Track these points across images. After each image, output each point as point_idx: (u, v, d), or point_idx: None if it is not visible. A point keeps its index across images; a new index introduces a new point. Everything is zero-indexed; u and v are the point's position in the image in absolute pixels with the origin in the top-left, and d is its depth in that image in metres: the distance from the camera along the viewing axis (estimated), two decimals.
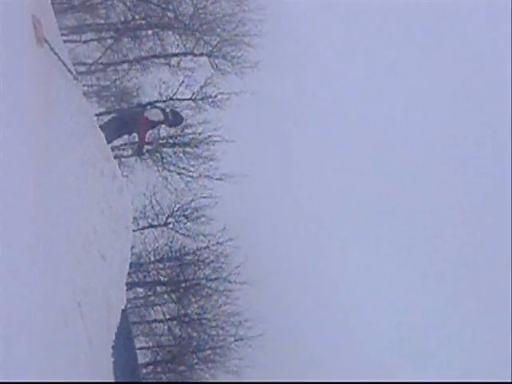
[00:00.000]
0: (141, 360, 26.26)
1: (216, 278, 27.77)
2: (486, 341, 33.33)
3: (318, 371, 33.38)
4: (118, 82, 30.22)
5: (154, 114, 17.37)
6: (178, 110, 21.47)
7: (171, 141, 30.05)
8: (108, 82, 30.40)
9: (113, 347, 12.79)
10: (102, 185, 12.48)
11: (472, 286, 34.93)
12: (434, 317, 34.65)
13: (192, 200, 29.27)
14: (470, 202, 36.95)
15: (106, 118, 18.71)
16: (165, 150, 30.32)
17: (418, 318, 35.04)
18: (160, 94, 30.08)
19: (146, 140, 19.91)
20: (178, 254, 28.10)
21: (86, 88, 29.29)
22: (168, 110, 18.51)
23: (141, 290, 28.38)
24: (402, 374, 31.92)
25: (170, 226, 28.98)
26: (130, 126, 17.19)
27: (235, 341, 26.99)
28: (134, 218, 26.72)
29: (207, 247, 28.11)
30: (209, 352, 26.95)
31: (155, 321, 28.16)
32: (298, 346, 33.55)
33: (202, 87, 29.72)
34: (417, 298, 35.04)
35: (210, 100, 29.94)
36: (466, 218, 37.01)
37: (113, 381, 11.92)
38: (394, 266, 36.17)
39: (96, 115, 26.32)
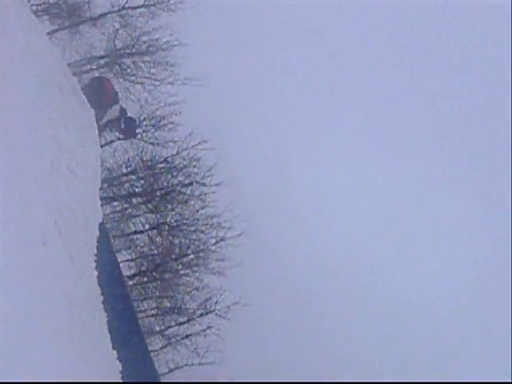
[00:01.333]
0: (126, 273, 26.44)
1: (190, 183, 27.67)
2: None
3: (298, 263, 33.89)
4: None
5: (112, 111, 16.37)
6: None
7: (128, 51, 29.55)
8: None
9: (95, 261, 12.86)
10: (63, 100, 12.34)
11: None
12: None
13: (157, 108, 28.96)
14: None
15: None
16: (123, 60, 29.83)
17: None
18: (112, 5, 29.44)
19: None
20: (149, 164, 27.92)
21: (34, 7, 28.59)
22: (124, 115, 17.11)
23: (117, 203, 28.34)
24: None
25: (138, 136, 28.73)
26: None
27: (216, 242, 27.13)
28: (101, 133, 26.61)
29: (178, 153, 27.97)
30: (191, 257, 27.07)
31: (135, 232, 28.18)
32: (278, 244, 33.90)
33: None
34: None
35: (164, 4, 29.35)
36: None
37: (98, 291, 12.00)
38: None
39: (48, 33, 25.84)
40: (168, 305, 27.02)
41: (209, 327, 26.40)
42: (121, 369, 11.81)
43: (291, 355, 32.30)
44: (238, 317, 26.78)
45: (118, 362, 11.62)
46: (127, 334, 13.39)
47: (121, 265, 22.97)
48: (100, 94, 16.02)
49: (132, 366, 12.21)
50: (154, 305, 27.50)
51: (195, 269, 27.16)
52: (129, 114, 17.52)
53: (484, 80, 37.39)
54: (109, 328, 11.92)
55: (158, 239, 27.97)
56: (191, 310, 26.75)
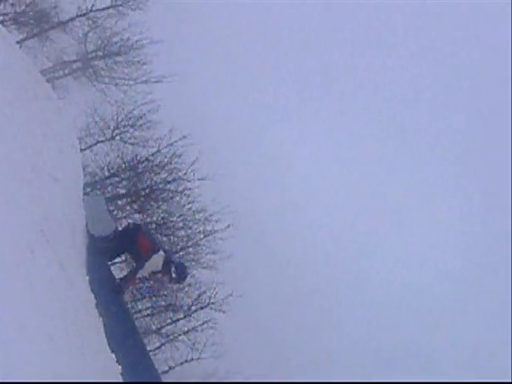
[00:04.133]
0: (118, 275, 26.34)
1: (174, 180, 27.66)
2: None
3: (289, 251, 33.92)
4: (32, 6, 29.31)
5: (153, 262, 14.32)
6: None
7: (100, 53, 29.49)
8: (23, 7, 29.47)
9: (86, 266, 12.81)
10: (39, 108, 12.26)
11: None
12: None
13: (133, 108, 28.90)
14: None
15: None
16: (95, 63, 29.76)
17: None
18: (79, 9, 29.37)
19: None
20: (131, 164, 27.89)
21: (1, 17, 28.46)
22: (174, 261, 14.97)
23: None
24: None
25: (118, 138, 28.65)
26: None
27: (204, 237, 27.14)
28: (80, 137, 26.51)
29: (159, 151, 27.92)
30: (182, 253, 27.05)
31: None
32: (267, 233, 33.92)
33: None
34: None
35: (131, 3, 29.29)
36: None
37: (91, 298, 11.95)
38: None
39: (18, 42, 25.69)
40: (163, 303, 26.98)
41: (205, 322, 26.41)
42: (121, 371, 11.77)
43: (287, 343, 32.39)
44: (233, 309, 26.82)
45: (117, 364, 11.58)
46: (124, 335, 13.34)
47: (111, 267, 22.93)
48: (133, 247, 14.62)
49: (132, 367, 12.18)
50: (149, 304, 27.44)
51: (186, 264, 27.14)
52: (173, 258, 15.24)
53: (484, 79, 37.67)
54: (105, 331, 11.88)
55: None
56: (186, 307, 26.73)
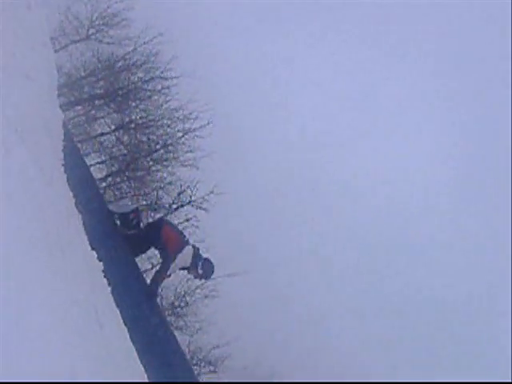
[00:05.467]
0: (97, 175, 26.40)
1: (151, 78, 27.44)
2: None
3: (270, 147, 33.90)
4: None
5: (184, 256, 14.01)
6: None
7: None
8: None
9: (63, 165, 12.76)
10: (8, 4, 11.95)
11: None
12: None
13: (108, 6, 28.38)
14: None
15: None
16: None
17: None
18: None
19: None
20: (107, 64, 27.61)
21: None
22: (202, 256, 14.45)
23: (79, 107, 28.07)
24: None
25: (93, 37, 28.25)
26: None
27: (183, 135, 27.07)
28: (54, 37, 26.07)
29: (135, 49, 27.60)
30: (161, 151, 27.05)
31: (102, 134, 28.06)
32: (247, 129, 33.80)
33: None
34: None
35: None
36: None
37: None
38: None
39: None
40: (143, 202, 27.11)
41: (187, 219, 26.56)
42: (102, 268, 11.86)
43: (268, 237, 32.73)
44: (214, 206, 26.94)
45: (98, 261, 11.66)
46: (104, 233, 13.44)
47: (91, 168, 22.92)
48: (159, 240, 14.32)
49: (113, 263, 12.28)
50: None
51: (166, 163, 27.17)
52: (202, 254, 14.60)
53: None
54: (85, 229, 11.93)
55: (126, 138, 27.88)
56: (167, 205, 26.86)
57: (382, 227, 34.80)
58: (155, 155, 27.06)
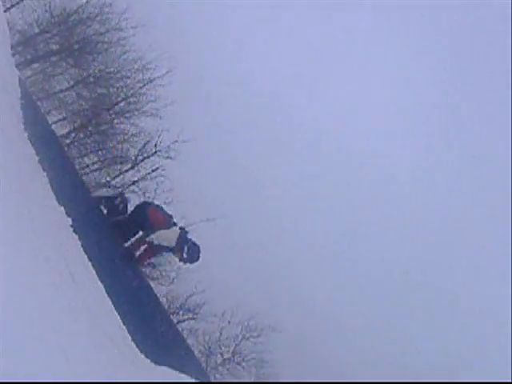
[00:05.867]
0: (61, 132, 26.21)
1: (107, 31, 27.08)
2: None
3: (232, 89, 33.65)
4: None
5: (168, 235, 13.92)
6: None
7: None
8: None
9: (24, 124, 12.67)
10: None
11: None
12: None
13: None
14: None
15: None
16: None
17: None
18: None
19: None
20: (61, 18, 27.16)
21: None
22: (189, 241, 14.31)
23: (36, 65, 27.67)
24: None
25: None
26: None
27: (144, 85, 26.87)
28: None
29: (88, 2, 27.14)
30: (122, 104, 26.85)
31: (62, 91, 27.76)
32: (208, 76, 33.46)
33: None
34: None
35: None
36: None
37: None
38: None
39: None
40: (109, 156, 26.98)
41: (154, 170, 26.47)
42: (71, 223, 11.85)
43: (236, 182, 32.73)
44: (180, 155, 26.84)
45: (66, 216, 11.66)
46: (71, 187, 13.40)
47: (53, 126, 22.72)
48: (146, 222, 14.19)
49: (81, 218, 12.28)
50: (96, 159, 27.43)
51: (128, 115, 26.98)
52: (190, 237, 14.47)
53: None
54: (51, 185, 11.88)
55: (85, 93, 27.61)
56: (133, 157, 26.75)
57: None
58: (117, 108, 26.84)
